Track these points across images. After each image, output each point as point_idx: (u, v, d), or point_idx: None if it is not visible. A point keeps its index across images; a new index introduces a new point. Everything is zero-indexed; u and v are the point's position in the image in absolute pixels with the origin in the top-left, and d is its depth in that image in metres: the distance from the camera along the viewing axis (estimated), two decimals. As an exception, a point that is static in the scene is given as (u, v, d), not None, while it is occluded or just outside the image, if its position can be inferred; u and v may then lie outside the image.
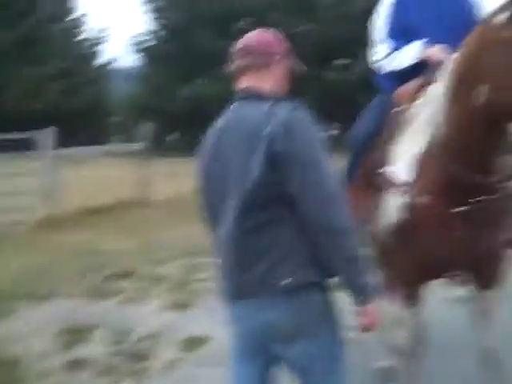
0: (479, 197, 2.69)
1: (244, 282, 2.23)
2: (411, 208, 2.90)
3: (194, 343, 4.77)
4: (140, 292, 6.21)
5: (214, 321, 5.15)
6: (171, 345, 4.77)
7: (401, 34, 3.39)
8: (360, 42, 30.41)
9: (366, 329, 2.24)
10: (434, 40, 3.23)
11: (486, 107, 2.48)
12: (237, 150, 2.22)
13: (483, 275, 3.11)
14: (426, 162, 2.87)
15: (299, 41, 26.93)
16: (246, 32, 2.42)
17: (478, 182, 2.65)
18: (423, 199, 2.85)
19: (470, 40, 2.63)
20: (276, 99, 2.26)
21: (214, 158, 2.31)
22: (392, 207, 3.00)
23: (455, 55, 2.76)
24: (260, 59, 2.33)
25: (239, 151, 2.21)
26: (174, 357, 4.56)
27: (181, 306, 5.69)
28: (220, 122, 2.36)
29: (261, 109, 2.22)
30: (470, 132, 2.61)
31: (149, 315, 5.47)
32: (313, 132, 2.20)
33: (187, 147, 14.09)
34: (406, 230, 2.94)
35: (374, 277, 2.31)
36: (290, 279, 2.15)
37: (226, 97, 2.56)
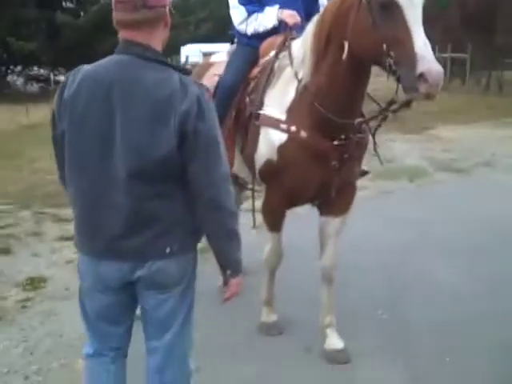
0: (345, 135, 3.34)
1: (130, 245, 2.26)
2: (289, 141, 3.39)
3: (34, 283, 5.03)
4: None
5: (42, 262, 5.52)
6: (13, 287, 4.95)
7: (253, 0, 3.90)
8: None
9: (228, 299, 2.47)
10: (283, 6, 3.82)
11: (350, 58, 3.05)
12: (136, 114, 2.15)
13: (338, 203, 3.64)
14: (299, 104, 3.39)
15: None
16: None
17: (343, 123, 3.28)
18: (299, 134, 3.37)
19: (332, 6, 3.21)
20: (174, 67, 2.26)
21: (94, 109, 2.18)
22: (273, 141, 3.46)
23: (316, 18, 3.36)
24: (156, 14, 2.21)
25: (140, 116, 2.15)
26: (24, 296, 4.76)
27: (3, 251, 5.78)
28: (100, 71, 2.23)
29: (166, 76, 2.19)
30: (338, 80, 3.18)
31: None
32: (215, 112, 2.27)
33: None
34: (284, 161, 3.42)
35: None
36: (177, 246, 2.30)
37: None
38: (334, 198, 3.57)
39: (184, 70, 2.31)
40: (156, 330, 2.48)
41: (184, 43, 34.30)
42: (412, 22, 2.79)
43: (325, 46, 3.23)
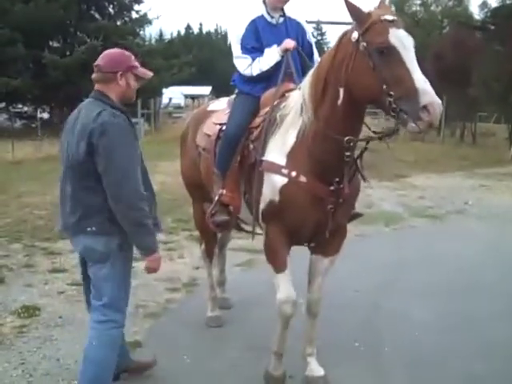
0: (339, 177, 3.61)
1: (69, 223, 3.43)
2: (290, 184, 3.66)
3: (29, 311, 5.26)
4: None
5: (35, 292, 5.77)
6: (9, 314, 5.21)
7: (255, 50, 4.22)
8: (75, 24, 29.93)
9: (150, 271, 3.49)
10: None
11: (345, 102, 3.41)
12: (74, 135, 3.33)
13: (330, 244, 3.92)
14: (299, 149, 3.68)
15: (14, 21, 26.16)
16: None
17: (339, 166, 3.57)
18: (299, 179, 3.67)
19: (327, 56, 3.55)
20: (111, 105, 3.34)
21: (66, 136, 3.45)
22: (275, 184, 3.72)
23: (312, 69, 3.72)
24: (105, 76, 3.39)
25: (75, 136, 3.32)
26: (20, 323, 5.02)
27: (-3, 280, 6.03)
28: (76, 111, 3.46)
29: (98, 109, 3.28)
30: (335, 124, 3.47)
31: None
32: (118, 134, 3.25)
33: None
34: (285, 201, 3.67)
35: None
36: (96, 227, 3.35)
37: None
38: (326, 239, 3.84)
39: (119, 108, 3.40)
40: (96, 292, 3.47)
41: (167, 86, 34.82)
42: (409, 62, 3.16)
43: (321, 93, 3.56)
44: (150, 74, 3.63)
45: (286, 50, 4.14)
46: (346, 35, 3.46)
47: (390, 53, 3.19)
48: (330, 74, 3.50)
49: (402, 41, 3.22)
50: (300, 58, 4.27)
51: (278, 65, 4.17)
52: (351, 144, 3.56)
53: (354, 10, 3.35)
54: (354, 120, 3.57)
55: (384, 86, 3.18)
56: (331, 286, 4.51)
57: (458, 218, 9.85)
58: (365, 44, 3.26)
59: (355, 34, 3.33)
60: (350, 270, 6.38)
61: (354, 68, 3.33)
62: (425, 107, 3.05)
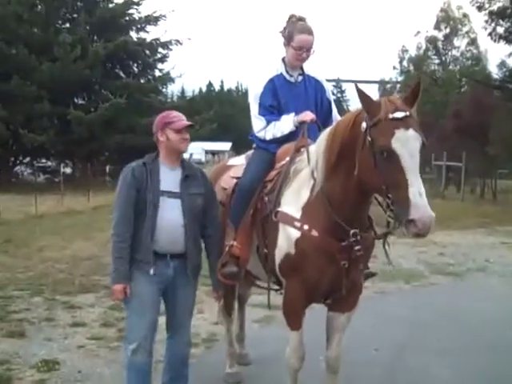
0: (353, 236, 3.62)
1: None
2: (303, 237, 3.68)
3: (48, 365, 5.27)
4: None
5: (55, 346, 5.78)
6: (28, 368, 5.21)
7: (273, 111, 4.28)
8: (100, 82, 30.81)
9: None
10: (298, 113, 4.18)
11: (357, 180, 3.39)
12: None
13: (346, 300, 3.92)
14: (312, 205, 3.71)
15: (41, 79, 26.96)
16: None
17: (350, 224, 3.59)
18: (311, 233, 3.66)
19: (343, 125, 3.53)
20: (144, 160, 4.01)
21: None
22: (290, 236, 3.75)
23: (328, 131, 3.69)
24: (155, 138, 4.05)
25: None
26: (39, 377, 5.03)
27: (18, 334, 6.08)
28: None
29: None
30: (349, 190, 3.50)
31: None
32: (120, 180, 3.96)
33: None
34: (301, 254, 3.69)
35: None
36: None
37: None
38: (343, 295, 3.84)
39: (145, 161, 4.03)
40: None
41: (188, 141, 35.25)
42: (409, 170, 3.12)
43: (336, 159, 3.54)
44: (184, 124, 4.00)
45: (302, 122, 4.15)
46: (359, 115, 3.42)
47: (391, 157, 3.16)
48: (345, 145, 3.48)
49: (407, 145, 3.16)
50: (318, 128, 4.21)
51: (292, 133, 4.21)
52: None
53: (365, 100, 3.32)
54: (367, 196, 3.58)
55: (383, 186, 3.20)
56: (351, 343, 4.49)
57: (479, 276, 9.75)
58: (370, 139, 3.25)
59: (364, 125, 3.31)
60: (370, 327, 6.35)
61: (361, 157, 3.34)
62: (412, 221, 3.05)
